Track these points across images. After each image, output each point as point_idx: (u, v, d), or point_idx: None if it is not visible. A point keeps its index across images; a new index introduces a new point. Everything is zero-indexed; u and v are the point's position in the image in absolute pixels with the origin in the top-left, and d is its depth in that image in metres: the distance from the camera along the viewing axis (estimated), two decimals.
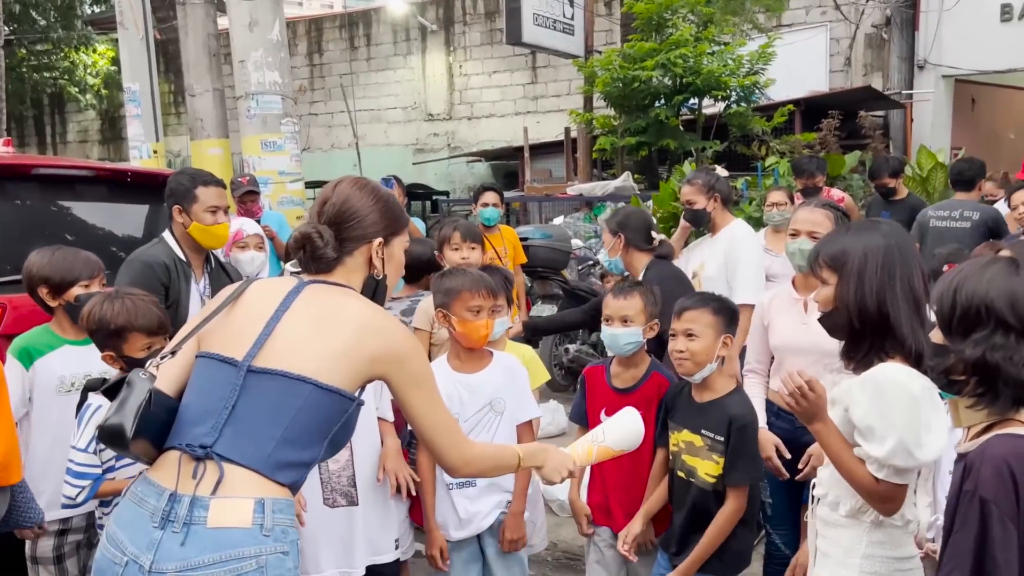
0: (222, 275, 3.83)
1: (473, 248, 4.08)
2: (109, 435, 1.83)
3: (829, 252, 2.24)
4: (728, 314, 2.86)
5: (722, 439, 2.78)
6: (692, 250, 4.63)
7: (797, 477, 3.06)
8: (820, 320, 2.29)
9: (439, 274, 3.27)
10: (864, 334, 2.15)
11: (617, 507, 3.12)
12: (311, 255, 2.02)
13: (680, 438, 2.91)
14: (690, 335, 2.80)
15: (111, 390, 1.93)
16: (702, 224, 4.57)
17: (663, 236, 3.78)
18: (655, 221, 3.93)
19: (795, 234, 3.30)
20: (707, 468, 2.82)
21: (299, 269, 2.08)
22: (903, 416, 2.03)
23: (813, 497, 2.35)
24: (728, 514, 2.79)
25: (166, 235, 3.70)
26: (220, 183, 3.75)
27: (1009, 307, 1.68)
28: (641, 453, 3.08)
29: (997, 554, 1.60)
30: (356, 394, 1.96)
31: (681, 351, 2.81)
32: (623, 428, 2.39)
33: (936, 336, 1.81)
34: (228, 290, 2.06)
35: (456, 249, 4.08)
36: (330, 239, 2.00)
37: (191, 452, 1.81)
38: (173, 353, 1.98)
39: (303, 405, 1.85)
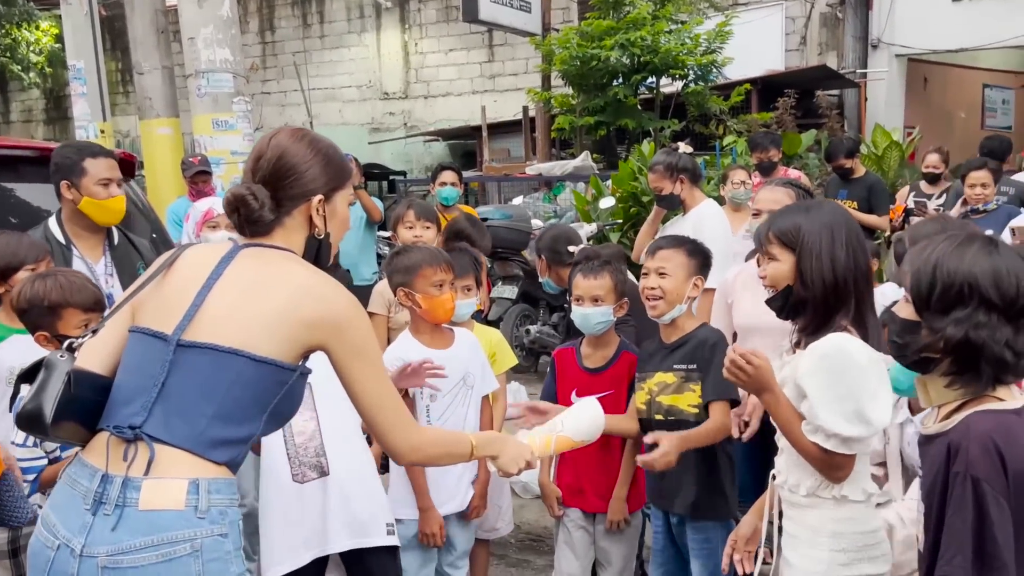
0: (130, 251, 3.60)
1: (427, 227, 4.03)
2: (27, 421, 1.75)
3: (783, 229, 2.22)
4: (701, 257, 2.89)
5: (695, 366, 2.80)
6: (666, 231, 4.61)
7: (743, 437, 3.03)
8: (770, 301, 2.28)
9: (393, 252, 3.21)
10: (832, 309, 2.15)
11: (589, 487, 3.12)
12: (246, 218, 1.88)
13: (651, 383, 2.89)
14: (662, 273, 2.82)
15: (30, 373, 1.82)
16: (675, 207, 4.54)
17: (580, 246, 3.78)
18: (576, 235, 3.99)
19: (758, 214, 3.28)
20: (689, 400, 2.82)
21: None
22: (849, 385, 2.07)
23: (774, 480, 2.36)
24: (709, 429, 2.75)
25: (51, 219, 3.47)
26: (110, 154, 3.53)
27: (994, 286, 1.65)
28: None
29: (997, 533, 1.59)
30: (299, 363, 1.85)
31: (653, 288, 2.82)
32: (583, 418, 2.33)
33: (905, 311, 1.77)
34: (162, 258, 1.95)
35: (410, 227, 4.02)
36: (265, 200, 1.87)
37: (120, 434, 1.73)
38: (95, 332, 1.88)
39: (235, 379, 1.75)
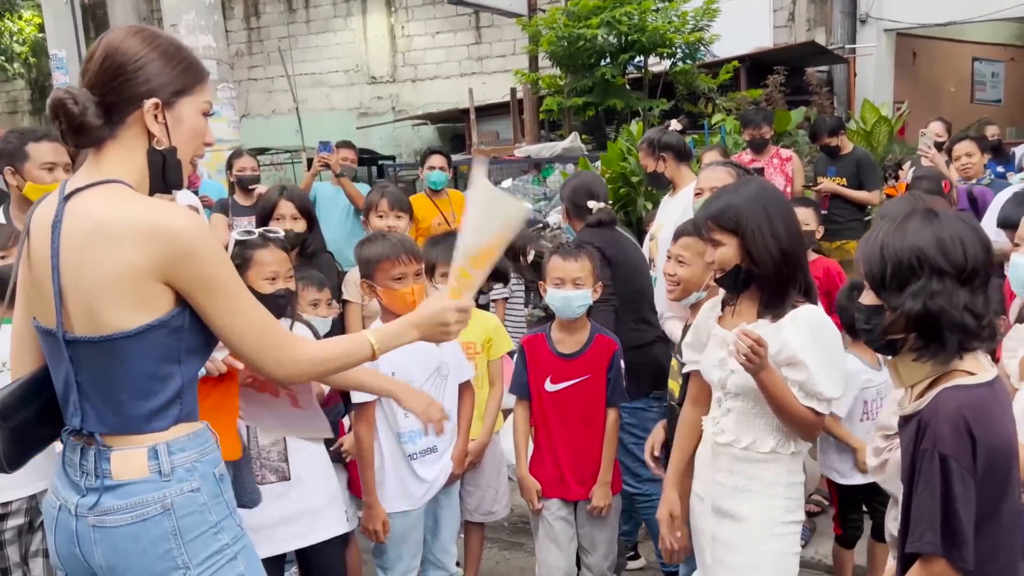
0: None
1: (399, 216, 3.99)
2: None
3: (720, 213, 2.31)
4: None
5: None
6: (659, 211, 4.58)
7: None
8: (720, 280, 2.40)
9: (360, 242, 3.18)
10: (786, 282, 2.29)
11: (570, 475, 3.09)
12: (68, 127, 1.67)
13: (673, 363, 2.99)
14: (681, 261, 2.87)
15: None
16: (663, 186, 4.51)
17: (600, 204, 3.71)
18: (600, 187, 3.91)
19: (699, 193, 3.27)
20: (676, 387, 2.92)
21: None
22: (834, 352, 2.27)
23: (709, 439, 2.48)
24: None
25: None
26: (55, 138, 3.41)
27: (940, 253, 1.70)
28: (594, 418, 3.07)
29: (960, 509, 1.63)
30: (176, 305, 1.71)
31: (671, 275, 2.91)
32: (482, 208, 1.82)
33: (868, 298, 1.82)
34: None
35: (381, 216, 3.99)
36: (87, 103, 1.65)
37: (72, 435, 1.78)
38: None
39: (126, 359, 1.69)
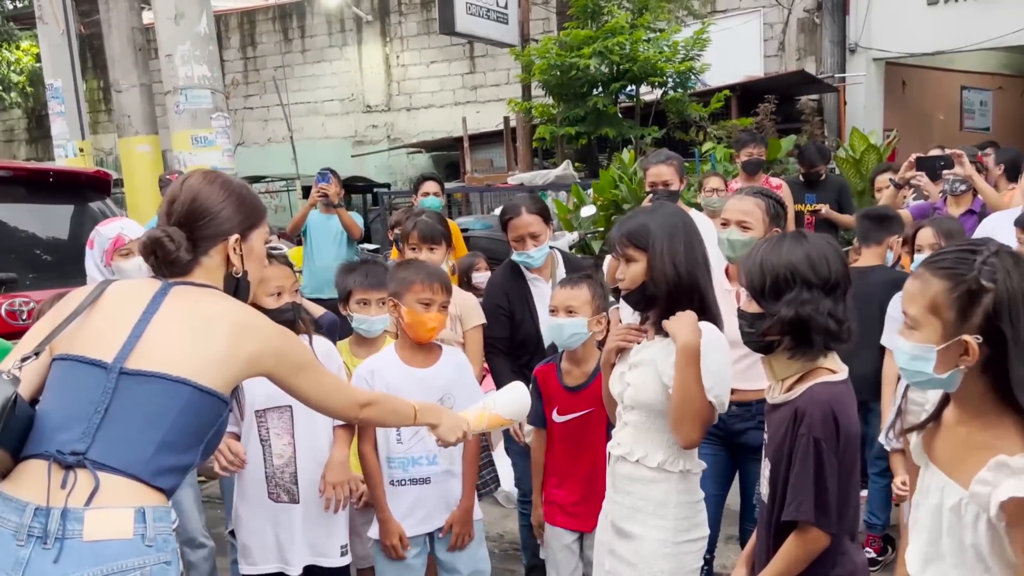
0: None
1: (432, 250, 3.78)
2: None
3: (633, 231, 2.43)
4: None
5: None
6: None
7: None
8: (626, 297, 2.49)
9: (397, 263, 3.18)
10: (676, 302, 2.39)
11: (571, 507, 3.01)
12: (164, 260, 1.95)
13: None
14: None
15: None
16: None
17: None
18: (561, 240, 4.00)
19: (725, 223, 3.17)
20: None
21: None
22: (725, 365, 2.43)
23: (610, 455, 2.56)
24: None
25: None
26: None
27: (809, 268, 2.02)
28: (596, 453, 2.96)
29: (829, 482, 1.97)
30: (226, 404, 1.93)
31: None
32: (512, 398, 2.53)
33: (751, 307, 2.09)
34: (83, 292, 1.96)
35: (413, 249, 3.85)
36: (182, 241, 1.94)
37: (61, 460, 1.70)
38: (37, 354, 1.85)
39: (183, 408, 1.80)
